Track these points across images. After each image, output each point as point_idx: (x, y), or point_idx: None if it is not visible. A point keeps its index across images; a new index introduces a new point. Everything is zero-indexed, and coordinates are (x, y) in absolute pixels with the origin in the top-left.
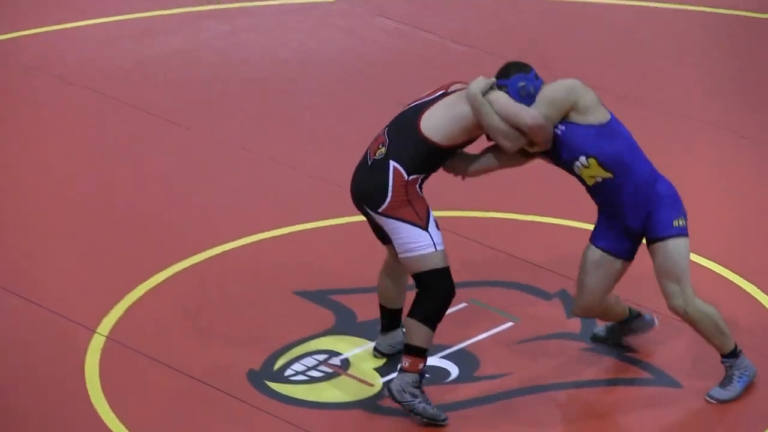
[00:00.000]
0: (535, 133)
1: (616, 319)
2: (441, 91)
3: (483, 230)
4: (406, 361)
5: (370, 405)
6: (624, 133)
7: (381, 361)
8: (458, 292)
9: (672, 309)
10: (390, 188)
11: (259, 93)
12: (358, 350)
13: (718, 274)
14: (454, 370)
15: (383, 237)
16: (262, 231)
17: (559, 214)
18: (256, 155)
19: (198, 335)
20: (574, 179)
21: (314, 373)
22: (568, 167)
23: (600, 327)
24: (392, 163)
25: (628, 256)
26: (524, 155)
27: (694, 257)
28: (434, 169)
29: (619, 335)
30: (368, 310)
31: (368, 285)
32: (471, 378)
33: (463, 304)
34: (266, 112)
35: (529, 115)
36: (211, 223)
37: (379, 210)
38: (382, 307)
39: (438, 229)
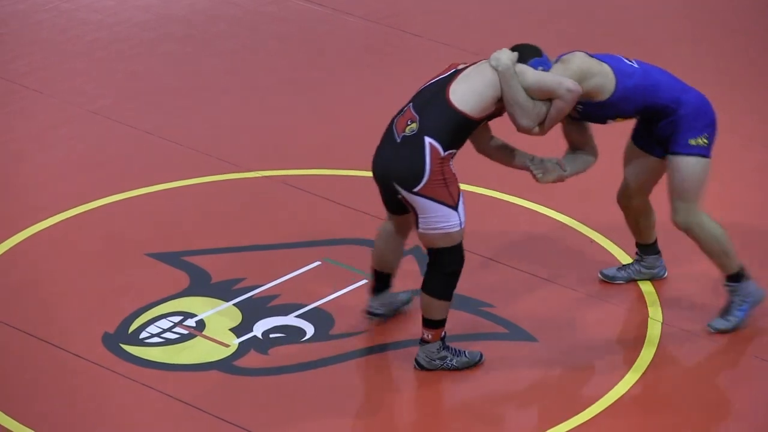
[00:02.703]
0: (570, 100)
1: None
2: (452, 70)
3: (334, 188)
4: (428, 334)
5: (225, 366)
6: (631, 83)
7: (236, 322)
8: (311, 251)
9: (674, 223)
10: (428, 166)
11: (107, 54)
12: (212, 311)
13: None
14: (309, 329)
15: (396, 209)
16: (114, 193)
17: None
18: (106, 118)
19: (51, 300)
20: None
21: (169, 335)
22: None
23: None
24: (427, 140)
25: (661, 155)
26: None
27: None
28: (462, 144)
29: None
30: (222, 270)
31: (221, 246)
32: (326, 337)
33: (317, 263)
34: (116, 75)
35: (570, 81)
36: (63, 186)
37: (415, 189)
38: (375, 272)
39: (464, 204)
